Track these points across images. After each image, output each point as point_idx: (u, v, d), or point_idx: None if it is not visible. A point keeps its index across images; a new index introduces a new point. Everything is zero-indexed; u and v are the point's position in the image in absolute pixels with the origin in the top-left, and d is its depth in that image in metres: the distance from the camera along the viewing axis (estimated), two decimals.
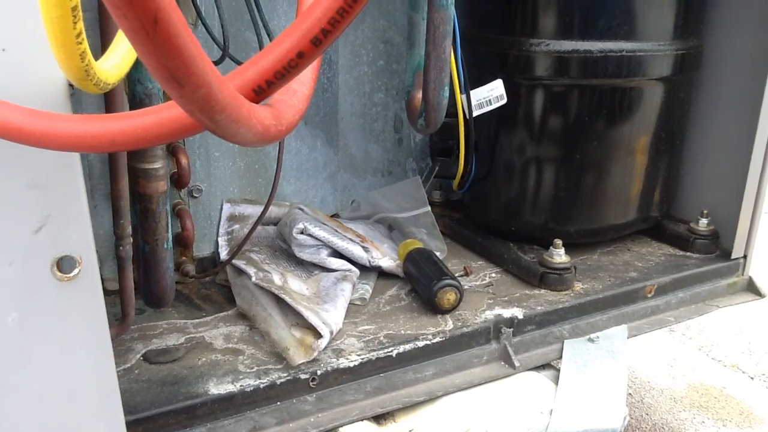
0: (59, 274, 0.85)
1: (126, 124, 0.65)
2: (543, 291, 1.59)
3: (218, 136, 0.59)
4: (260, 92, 0.61)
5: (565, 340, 1.51)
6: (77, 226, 0.85)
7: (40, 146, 0.69)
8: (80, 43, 0.67)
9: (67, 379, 0.91)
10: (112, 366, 0.95)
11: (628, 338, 1.55)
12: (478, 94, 1.65)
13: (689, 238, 1.82)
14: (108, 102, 1.09)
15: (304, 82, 0.76)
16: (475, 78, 1.65)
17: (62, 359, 0.90)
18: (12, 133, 0.67)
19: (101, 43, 1.04)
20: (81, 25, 0.66)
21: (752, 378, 2.46)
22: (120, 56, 0.85)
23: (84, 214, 0.85)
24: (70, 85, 0.80)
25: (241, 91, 0.60)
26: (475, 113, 1.66)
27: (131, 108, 1.09)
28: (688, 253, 1.81)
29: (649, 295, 1.66)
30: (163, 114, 0.65)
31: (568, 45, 1.55)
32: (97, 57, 0.74)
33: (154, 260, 1.20)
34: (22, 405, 0.89)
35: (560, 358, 1.48)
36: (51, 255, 0.84)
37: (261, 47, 1.41)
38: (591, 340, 1.52)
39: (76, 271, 0.85)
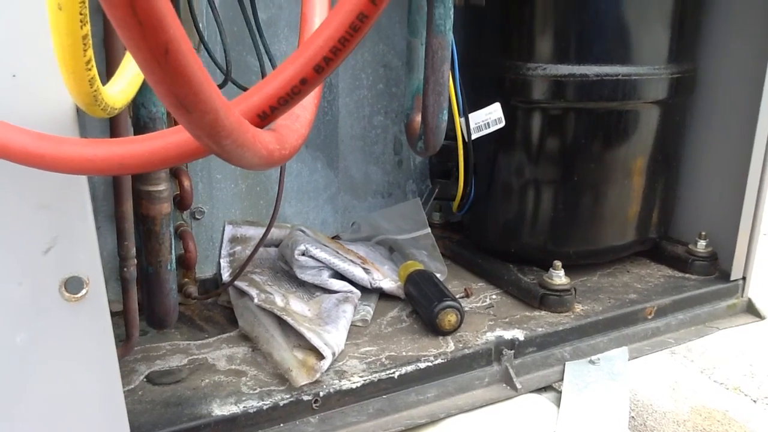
0: (67, 294, 0.86)
1: (134, 148, 0.67)
2: (543, 312, 1.60)
3: (224, 160, 0.61)
4: (264, 117, 0.63)
5: (567, 362, 1.51)
6: (84, 247, 0.87)
7: (50, 169, 0.70)
8: (89, 70, 0.69)
9: (75, 400, 0.92)
10: (119, 386, 0.95)
11: (629, 360, 1.56)
12: (477, 117, 1.67)
13: (688, 260, 1.82)
14: (113, 126, 1.11)
15: (306, 107, 0.78)
16: (473, 101, 1.67)
17: (70, 380, 0.90)
18: (23, 157, 0.69)
19: (106, 68, 1.06)
20: (91, 52, 0.68)
21: (755, 401, 2.44)
22: (126, 81, 0.87)
23: (91, 235, 0.87)
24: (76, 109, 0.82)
25: (246, 117, 0.61)
26: (473, 136, 1.68)
27: (136, 131, 1.10)
28: (687, 275, 1.82)
29: (650, 317, 1.67)
30: (170, 138, 0.66)
31: (564, 69, 1.57)
32: (101, 80, 0.76)
33: (157, 281, 1.21)
34: (29, 425, 0.90)
35: (562, 380, 1.48)
36: (59, 276, 0.85)
37: (263, 71, 1.43)
38: (592, 362, 1.53)
39: (83, 291, 0.87)
